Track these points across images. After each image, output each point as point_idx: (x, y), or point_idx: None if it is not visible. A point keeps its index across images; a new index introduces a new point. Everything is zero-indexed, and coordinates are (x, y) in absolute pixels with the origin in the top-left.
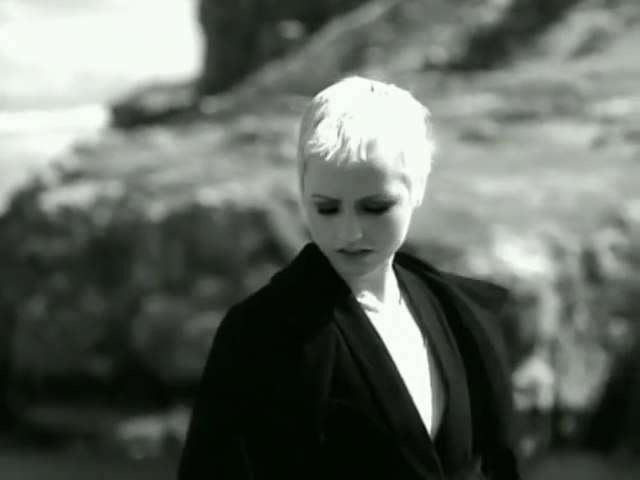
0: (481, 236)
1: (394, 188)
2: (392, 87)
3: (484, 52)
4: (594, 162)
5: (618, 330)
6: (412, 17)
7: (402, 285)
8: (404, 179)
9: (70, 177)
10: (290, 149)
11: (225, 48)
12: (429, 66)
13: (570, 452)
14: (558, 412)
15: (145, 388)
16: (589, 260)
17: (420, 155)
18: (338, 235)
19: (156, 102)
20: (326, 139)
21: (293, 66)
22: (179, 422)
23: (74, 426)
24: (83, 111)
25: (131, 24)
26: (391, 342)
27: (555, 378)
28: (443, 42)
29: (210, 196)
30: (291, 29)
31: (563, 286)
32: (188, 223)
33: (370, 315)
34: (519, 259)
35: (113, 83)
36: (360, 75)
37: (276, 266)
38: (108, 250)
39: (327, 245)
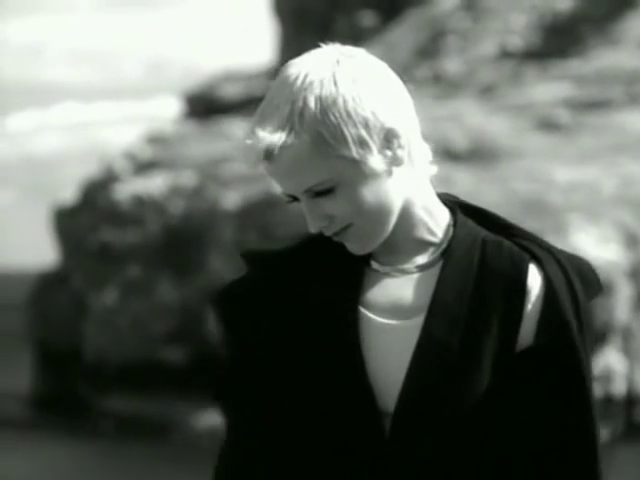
0: (556, 224)
1: (327, 172)
2: (350, 53)
3: (559, 40)
4: None
5: None
6: (488, 5)
7: (447, 252)
8: (339, 158)
9: (143, 167)
10: None
11: (301, 37)
12: (505, 54)
13: None
14: (631, 400)
15: None
16: None
17: (357, 127)
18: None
19: (231, 91)
20: (247, 141)
21: None
22: None
23: (145, 416)
24: (156, 101)
25: (206, 14)
26: (379, 307)
27: (629, 366)
28: (519, 30)
29: None
30: (367, 17)
31: (637, 274)
32: (263, 212)
33: (377, 278)
34: (593, 247)
35: (187, 73)
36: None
37: None
38: (182, 239)
39: None
